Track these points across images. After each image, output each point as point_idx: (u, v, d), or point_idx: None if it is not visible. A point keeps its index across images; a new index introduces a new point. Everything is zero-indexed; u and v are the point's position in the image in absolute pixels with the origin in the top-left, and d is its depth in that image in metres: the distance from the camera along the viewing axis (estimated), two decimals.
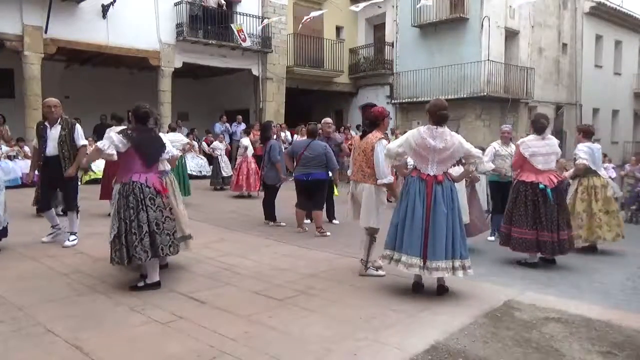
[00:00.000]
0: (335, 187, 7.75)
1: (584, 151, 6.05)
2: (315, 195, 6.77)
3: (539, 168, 5.23)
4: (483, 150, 6.24)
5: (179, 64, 14.32)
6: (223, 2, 14.81)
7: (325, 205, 7.27)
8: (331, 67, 18.40)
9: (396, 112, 18.41)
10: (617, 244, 6.30)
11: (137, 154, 4.05)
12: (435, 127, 4.04)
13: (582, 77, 20.74)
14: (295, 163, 6.84)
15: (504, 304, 3.90)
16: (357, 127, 17.07)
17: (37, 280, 4.27)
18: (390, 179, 4.51)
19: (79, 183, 11.39)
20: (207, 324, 3.34)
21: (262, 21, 15.17)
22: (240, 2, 15.65)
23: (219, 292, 4.09)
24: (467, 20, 16.23)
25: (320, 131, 7.24)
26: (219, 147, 12.01)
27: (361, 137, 4.75)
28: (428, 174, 4.02)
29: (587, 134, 6.24)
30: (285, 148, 8.77)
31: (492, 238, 6.55)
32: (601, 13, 21.44)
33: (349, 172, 5.00)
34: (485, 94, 15.85)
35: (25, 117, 11.75)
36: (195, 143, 13.54)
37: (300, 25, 14.42)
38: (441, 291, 4.11)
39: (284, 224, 7.30)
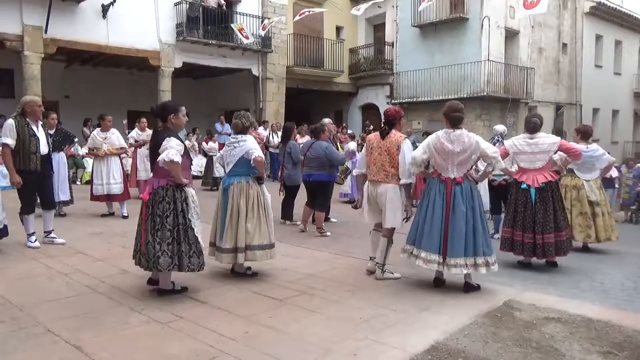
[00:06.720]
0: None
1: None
2: (317, 196, 6.81)
3: (522, 166, 5.23)
4: None
5: (179, 64, 14.32)
6: (223, 2, 14.80)
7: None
8: (331, 67, 18.40)
9: None
10: (618, 243, 6.29)
11: None
12: (452, 130, 4.15)
13: (582, 77, 20.72)
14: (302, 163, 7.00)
15: (504, 304, 3.90)
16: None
17: (37, 280, 4.27)
18: (413, 179, 4.53)
19: (79, 183, 11.48)
20: (207, 324, 3.34)
21: (262, 21, 15.17)
22: (240, 2, 15.66)
23: (219, 292, 4.10)
24: (467, 20, 16.24)
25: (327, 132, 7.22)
26: (214, 148, 12.00)
27: (382, 136, 4.54)
28: (448, 177, 4.15)
29: (585, 135, 6.23)
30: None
31: (497, 236, 6.56)
32: (601, 13, 21.42)
33: (355, 172, 4.95)
34: (485, 94, 15.85)
35: None
36: (195, 143, 13.52)
37: (297, 18, 14.26)
38: (467, 288, 4.21)
39: (299, 223, 7.24)
